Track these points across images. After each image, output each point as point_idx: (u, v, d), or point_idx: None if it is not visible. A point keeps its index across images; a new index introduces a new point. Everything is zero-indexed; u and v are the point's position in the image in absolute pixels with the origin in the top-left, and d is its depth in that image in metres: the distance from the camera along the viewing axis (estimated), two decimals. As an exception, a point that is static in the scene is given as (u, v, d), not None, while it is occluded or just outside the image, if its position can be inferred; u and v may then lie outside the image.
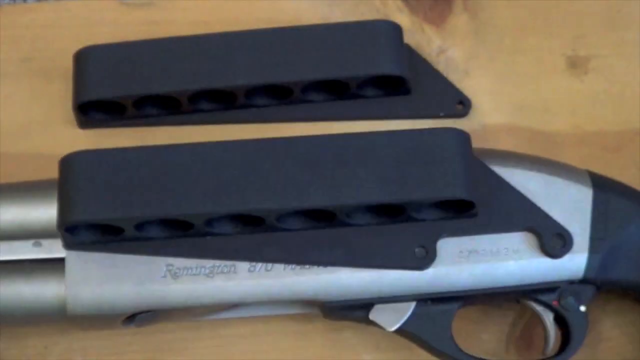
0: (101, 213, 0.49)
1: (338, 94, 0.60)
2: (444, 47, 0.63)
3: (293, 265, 0.51)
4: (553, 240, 0.52)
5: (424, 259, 0.52)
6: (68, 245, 0.51)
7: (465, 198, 0.51)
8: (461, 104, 0.61)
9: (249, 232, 0.51)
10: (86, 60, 0.58)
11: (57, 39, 0.63)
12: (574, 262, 0.52)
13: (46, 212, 0.52)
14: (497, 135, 0.61)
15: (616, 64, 0.63)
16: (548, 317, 0.54)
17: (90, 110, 0.59)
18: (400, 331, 0.52)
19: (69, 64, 0.59)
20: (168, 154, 0.51)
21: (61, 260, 0.51)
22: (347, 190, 0.50)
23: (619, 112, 0.62)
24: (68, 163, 0.51)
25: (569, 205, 0.53)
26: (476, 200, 0.51)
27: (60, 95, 0.61)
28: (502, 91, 0.62)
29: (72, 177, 0.50)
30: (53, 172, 0.55)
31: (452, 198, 0.51)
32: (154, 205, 0.49)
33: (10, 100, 0.61)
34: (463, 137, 0.52)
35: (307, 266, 0.51)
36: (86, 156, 0.51)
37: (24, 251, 0.52)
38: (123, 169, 0.50)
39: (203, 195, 0.50)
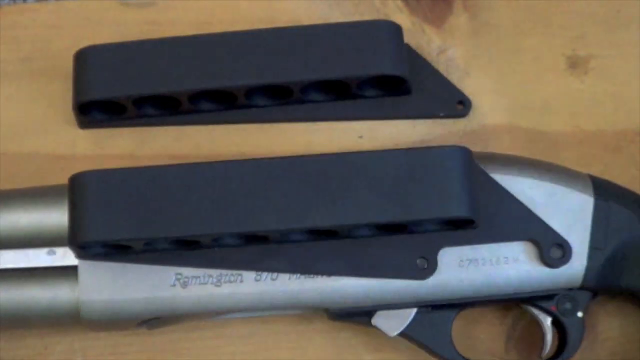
0: (111, 234, 0.50)
1: (338, 94, 0.60)
2: (444, 47, 0.63)
3: (298, 275, 0.52)
4: (552, 250, 0.53)
5: (425, 270, 0.52)
6: (80, 257, 0.52)
7: (467, 217, 0.51)
8: (461, 104, 0.61)
9: (255, 244, 0.52)
10: (86, 60, 0.58)
11: (57, 39, 0.63)
12: (572, 271, 0.53)
13: (59, 219, 0.53)
14: (497, 136, 0.60)
15: (616, 64, 0.63)
16: (546, 321, 0.54)
17: (90, 110, 0.59)
18: (401, 336, 0.53)
19: (69, 64, 0.59)
20: (175, 175, 0.51)
21: (74, 268, 0.52)
22: (349, 211, 0.51)
23: (619, 112, 0.62)
24: (78, 182, 0.51)
25: (570, 214, 0.53)
26: (476, 217, 0.52)
27: (60, 95, 0.61)
28: (502, 91, 0.62)
29: (82, 197, 0.51)
30: (53, 173, 0.55)
31: (453, 218, 0.51)
32: (162, 226, 0.51)
33: (10, 100, 0.61)
34: (464, 155, 0.52)
35: (312, 275, 0.52)
36: (96, 176, 0.51)
37: (38, 259, 0.53)
38: (132, 189, 0.51)
39: (209, 216, 0.51)
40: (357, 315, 0.53)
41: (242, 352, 0.57)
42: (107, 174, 0.51)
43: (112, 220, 0.50)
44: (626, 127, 0.61)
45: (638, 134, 0.61)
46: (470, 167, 0.52)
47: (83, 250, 0.51)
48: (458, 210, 0.51)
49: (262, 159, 0.52)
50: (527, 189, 0.53)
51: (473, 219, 0.51)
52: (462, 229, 0.52)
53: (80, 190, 0.51)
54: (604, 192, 0.54)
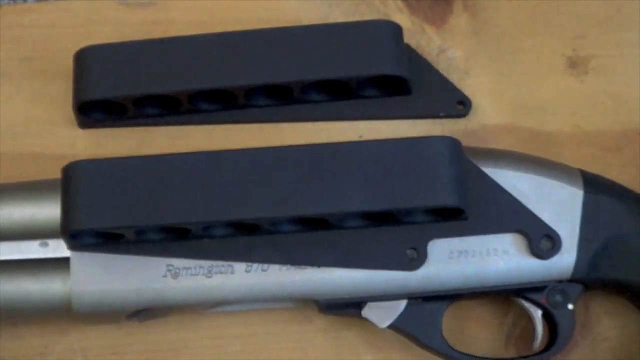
0: (102, 222, 0.51)
1: (338, 94, 0.60)
2: (444, 47, 0.63)
3: (288, 266, 0.53)
4: (542, 242, 0.53)
5: (415, 261, 0.53)
6: (72, 248, 0.52)
7: (456, 206, 0.51)
8: (461, 104, 0.61)
9: (246, 234, 0.52)
10: (86, 60, 0.58)
11: (57, 39, 0.63)
12: (562, 263, 0.53)
13: (52, 212, 0.53)
14: (497, 135, 0.61)
15: (616, 64, 0.63)
16: (536, 314, 0.54)
17: (91, 110, 0.59)
18: (391, 328, 0.53)
19: (69, 64, 0.59)
20: (166, 164, 0.52)
21: (66, 260, 0.53)
22: (339, 199, 0.51)
23: (619, 112, 0.62)
24: (70, 172, 0.52)
25: (559, 206, 0.53)
26: (466, 207, 0.52)
27: (60, 95, 0.61)
28: (502, 91, 0.62)
29: (75, 186, 0.51)
30: (53, 173, 0.55)
31: (442, 206, 0.51)
32: (153, 214, 0.51)
33: (10, 100, 0.61)
34: (454, 145, 0.53)
35: (302, 267, 0.53)
36: (88, 166, 0.52)
37: (31, 251, 0.53)
38: (123, 178, 0.51)
39: (199, 204, 0.51)
40: (348, 307, 0.54)
41: (242, 352, 0.57)
42: (100, 163, 0.52)
43: (104, 208, 0.51)
44: (626, 127, 0.61)
45: (638, 134, 0.61)
46: (459, 157, 0.52)
47: (75, 239, 0.52)
48: (447, 199, 0.51)
49: (252, 149, 0.52)
50: (516, 182, 0.53)
51: (462, 208, 0.52)
52: (452, 220, 0.53)
53: (73, 179, 0.51)
54: (594, 185, 0.54)
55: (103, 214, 0.51)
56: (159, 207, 0.51)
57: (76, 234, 0.51)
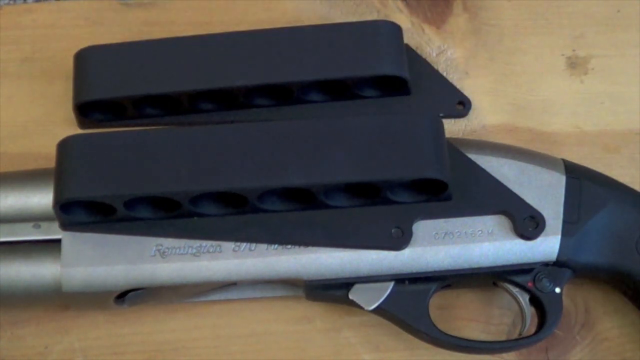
0: (93, 190, 0.51)
1: (338, 94, 0.60)
2: (443, 48, 0.63)
3: (275, 245, 0.53)
4: (526, 222, 0.53)
5: (400, 240, 0.53)
6: (64, 226, 0.53)
7: (438, 178, 0.52)
8: (461, 104, 0.61)
9: (234, 213, 0.53)
10: (86, 61, 0.58)
11: (57, 39, 0.63)
12: (547, 245, 0.53)
13: (45, 197, 0.54)
14: (497, 135, 0.61)
15: (616, 64, 0.63)
16: (523, 299, 0.54)
17: (90, 111, 0.60)
18: (378, 310, 0.54)
19: (69, 64, 0.59)
20: (156, 137, 0.53)
21: (58, 242, 0.53)
22: (324, 170, 0.52)
23: (619, 112, 0.62)
24: (64, 145, 0.53)
25: (542, 190, 0.54)
26: (449, 181, 0.52)
27: (60, 95, 0.61)
28: (502, 91, 0.62)
29: (67, 158, 0.52)
30: (53, 172, 0.55)
31: (425, 177, 0.52)
32: (142, 184, 0.52)
33: (10, 100, 0.61)
34: (437, 122, 0.53)
35: (289, 246, 0.53)
36: (81, 139, 0.53)
37: (24, 232, 0.54)
38: (114, 150, 0.52)
39: (188, 174, 0.52)
40: (334, 289, 0.54)
41: (242, 352, 0.57)
42: (92, 137, 0.53)
43: (95, 179, 0.51)
44: (626, 127, 0.61)
45: (638, 134, 0.61)
46: (442, 134, 0.53)
47: (66, 214, 0.52)
48: (429, 171, 0.52)
49: (239, 124, 0.54)
50: (499, 167, 0.54)
51: (445, 183, 0.52)
52: (437, 199, 0.53)
53: (66, 152, 0.52)
54: (576, 171, 0.55)
55: (94, 184, 0.51)
56: (148, 178, 0.52)
57: (67, 207, 0.52)
